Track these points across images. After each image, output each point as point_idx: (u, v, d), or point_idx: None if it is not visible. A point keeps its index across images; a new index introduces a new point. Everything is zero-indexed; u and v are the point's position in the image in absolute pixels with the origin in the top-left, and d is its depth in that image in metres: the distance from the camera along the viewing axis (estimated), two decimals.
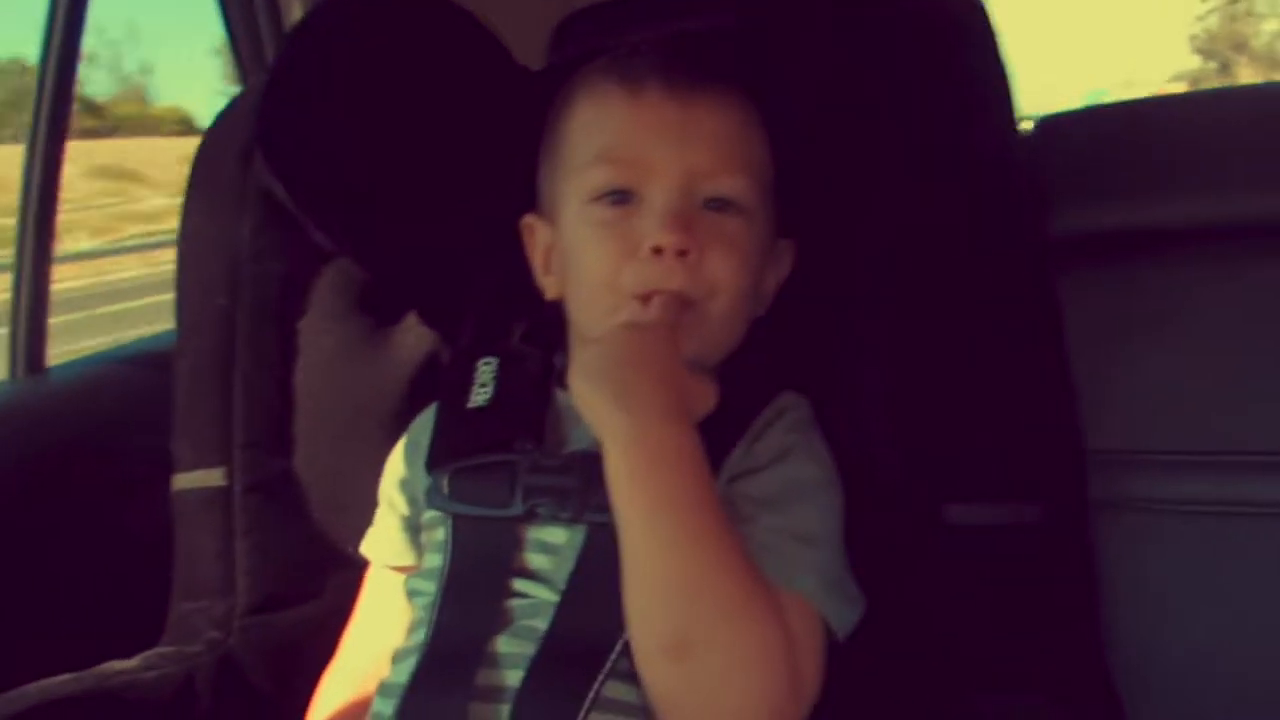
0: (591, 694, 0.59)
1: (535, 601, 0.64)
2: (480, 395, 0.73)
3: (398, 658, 0.69)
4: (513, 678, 0.61)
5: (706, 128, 0.68)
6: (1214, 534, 0.79)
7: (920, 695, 0.66)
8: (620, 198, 0.68)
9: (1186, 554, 0.79)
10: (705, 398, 0.63)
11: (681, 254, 0.65)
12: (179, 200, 0.87)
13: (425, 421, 0.76)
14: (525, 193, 0.77)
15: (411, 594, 0.72)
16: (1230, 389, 0.79)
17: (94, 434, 1.03)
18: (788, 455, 0.66)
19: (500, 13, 0.87)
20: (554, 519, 0.65)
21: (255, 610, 0.81)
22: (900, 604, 0.68)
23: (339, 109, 0.78)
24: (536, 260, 0.76)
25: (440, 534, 0.69)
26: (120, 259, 9.77)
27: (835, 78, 0.73)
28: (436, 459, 0.70)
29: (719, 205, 0.68)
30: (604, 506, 0.62)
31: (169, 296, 0.86)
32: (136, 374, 1.11)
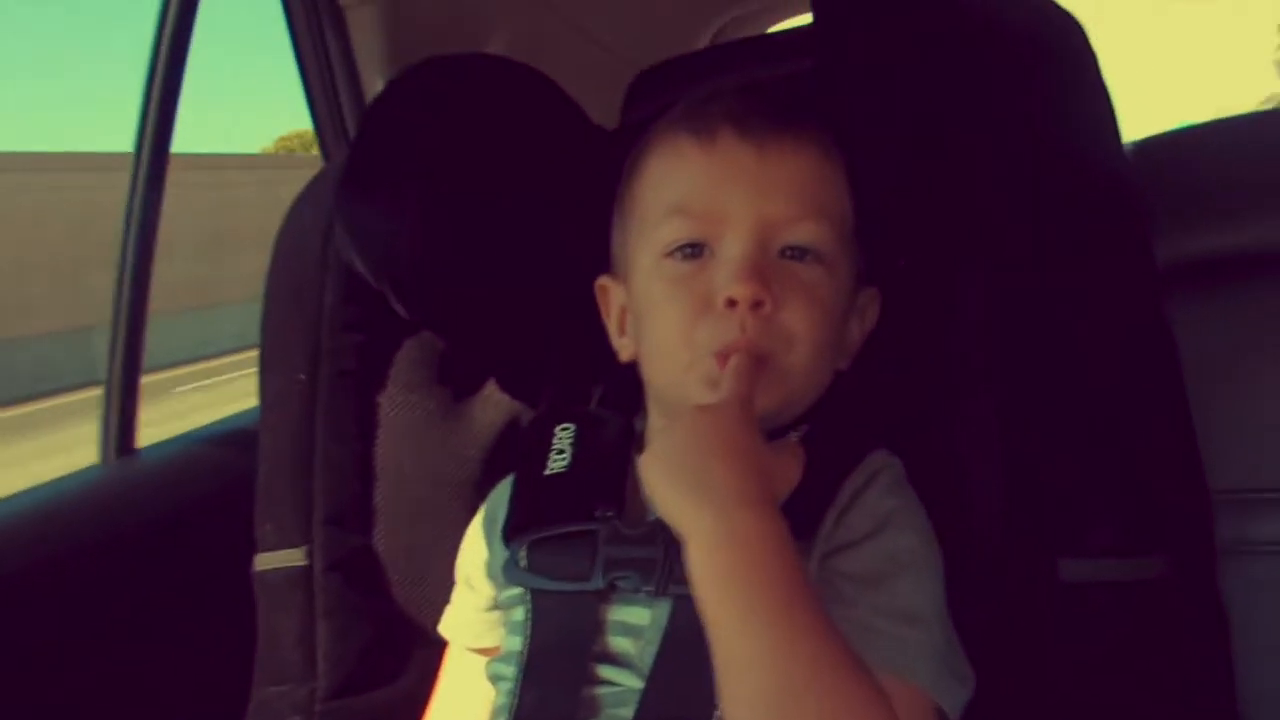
0: None
1: (619, 689, 0.61)
2: (558, 462, 0.70)
3: None
4: None
5: (781, 174, 0.65)
6: None
7: None
8: (693, 251, 0.65)
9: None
10: (789, 473, 0.59)
11: (757, 305, 0.62)
12: None
13: (502, 494, 0.73)
14: (601, 256, 0.75)
15: (493, 678, 0.69)
16: None
17: (183, 516, 1.04)
18: (886, 525, 0.62)
19: (575, 76, 0.87)
20: (636, 592, 0.62)
21: (337, 694, 0.79)
22: (1016, 674, 0.62)
23: (418, 180, 0.78)
24: (611, 322, 0.75)
25: (519, 614, 0.66)
26: None
27: (923, 113, 0.69)
28: (514, 530, 0.68)
29: (797, 254, 0.65)
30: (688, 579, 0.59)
31: None
32: (225, 453, 1.12)
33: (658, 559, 0.61)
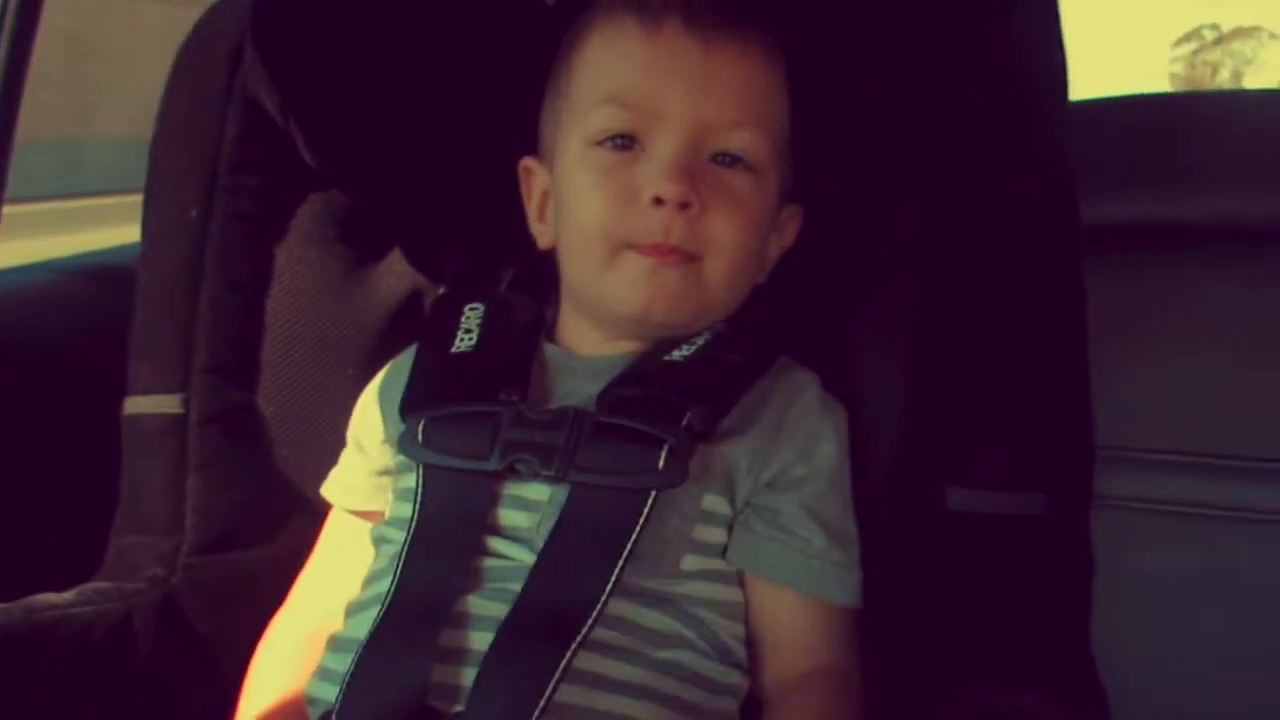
0: (562, 664, 0.55)
1: (510, 562, 0.61)
2: (464, 341, 0.69)
3: (353, 610, 0.66)
4: (480, 640, 0.57)
5: (724, 75, 0.64)
6: (1201, 538, 0.78)
7: (912, 688, 0.63)
8: (624, 143, 0.64)
9: (1171, 557, 0.78)
10: None
11: (683, 206, 0.62)
12: None
13: (402, 364, 0.72)
14: (527, 135, 0.73)
15: (378, 541, 0.68)
16: (1233, 392, 0.78)
17: (38, 348, 0.97)
18: (816, 443, 0.65)
19: None
20: (535, 476, 0.61)
21: (204, 549, 0.75)
22: (894, 593, 0.65)
23: (342, 17, 0.72)
24: (531, 205, 0.73)
25: (410, 481, 0.65)
26: None
27: (878, 25, 0.68)
28: (412, 403, 0.66)
29: (728, 160, 0.64)
30: (590, 467, 0.60)
31: None
32: (90, 287, 1.04)
33: (559, 444, 0.60)
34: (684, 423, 0.61)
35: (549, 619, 0.57)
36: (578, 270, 0.67)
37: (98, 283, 1.04)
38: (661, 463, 0.59)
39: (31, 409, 0.93)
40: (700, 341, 0.66)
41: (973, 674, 0.63)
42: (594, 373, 0.66)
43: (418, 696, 0.56)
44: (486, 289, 0.77)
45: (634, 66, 0.64)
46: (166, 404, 0.76)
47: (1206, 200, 0.82)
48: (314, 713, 0.64)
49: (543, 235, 0.72)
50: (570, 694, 0.56)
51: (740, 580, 0.64)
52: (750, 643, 0.64)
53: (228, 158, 0.77)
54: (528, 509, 0.62)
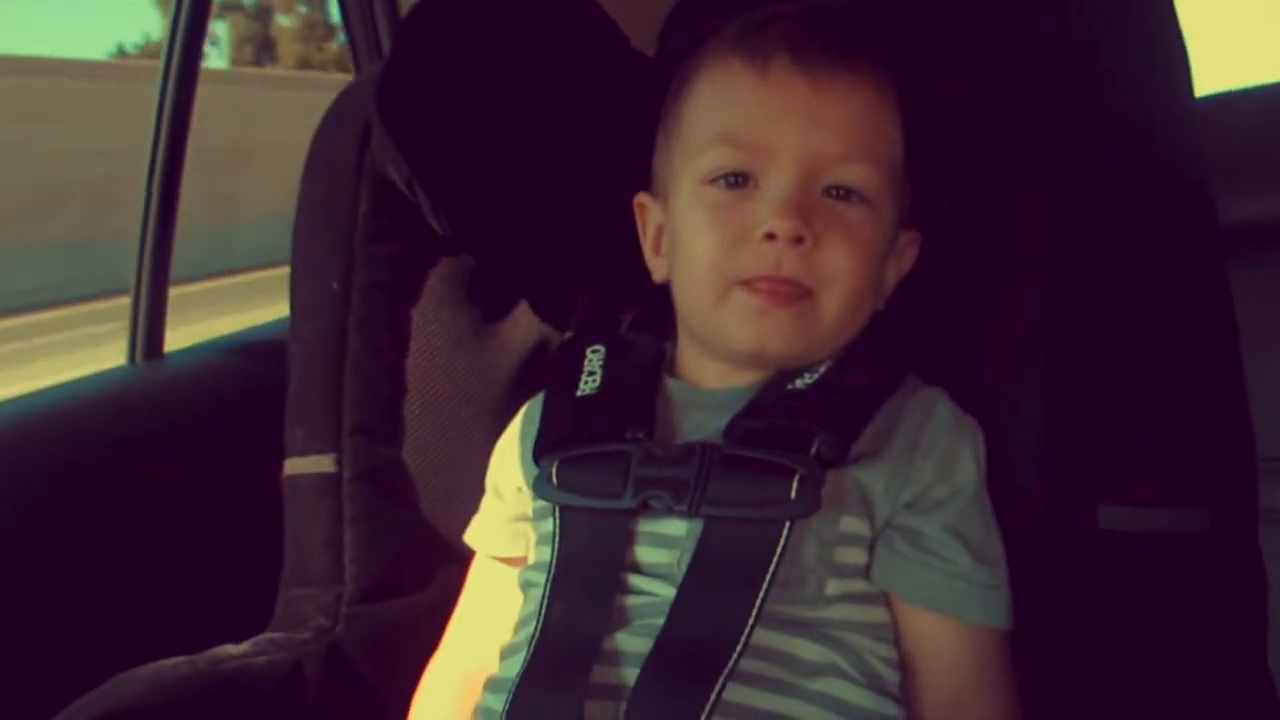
0: (712, 698, 0.55)
1: (652, 598, 0.62)
2: (589, 384, 0.71)
3: (506, 653, 0.68)
4: (629, 676, 0.58)
5: (834, 110, 0.64)
6: None
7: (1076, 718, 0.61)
8: (737, 181, 0.65)
9: None
10: None
11: (797, 241, 0.62)
12: None
13: (533, 410, 0.74)
14: (636, 181, 0.75)
15: (525, 586, 0.70)
16: None
17: (208, 420, 1.05)
18: (954, 464, 0.64)
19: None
20: (669, 512, 0.62)
21: (362, 599, 0.80)
22: (1052, 619, 0.63)
23: (456, 91, 0.77)
24: (646, 240, 0.74)
25: (549, 525, 0.66)
26: None
27: (982, 46, 0.68)
28: (544, 448, 0.68)
29: (842, 194, 0.64)
30: (722, 500, 0.60)
31: None
32: (250, 362, 1.12)
33: (689, 479, 0.61)
34: (813, 451, 0.60)
35: (694, 652, 0.57)
36: (693, 306, 0.68)
37: (257, 355, 1.12)
38: (794, 493, 0.58)
39: (207, 476, 1.01)
40: (822, 370, 0.66)
41: (1143, 705, 0.60)
42: (718, 406, 0.66)
43: None
44: (607, 331, 0.79)
45: (744, 105, 0.65)
46: (322, 464, 0.81)
47: None
48: None
49: (659, 269, 0.73)
50: None
51: (886, 602, 0.63)
52: (901, 669, 0.63)
53: (362, 231, 0.82)
54: (667, 545, 0.63)
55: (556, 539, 0.64)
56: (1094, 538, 0.62)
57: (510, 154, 0.80)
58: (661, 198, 0.72)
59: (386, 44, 1.32)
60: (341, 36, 1.36)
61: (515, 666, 0.62)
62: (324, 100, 0.88)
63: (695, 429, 0.67)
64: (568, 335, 0.86)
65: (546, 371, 0.81)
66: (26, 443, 0.93)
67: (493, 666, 0.68)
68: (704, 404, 0.68)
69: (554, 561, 0.64)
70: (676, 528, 0.62)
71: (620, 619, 0.61)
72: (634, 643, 0.60)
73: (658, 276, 0.73)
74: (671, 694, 0.56)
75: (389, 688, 0.76)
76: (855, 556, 0.63)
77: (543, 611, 0.63)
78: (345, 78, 1.37)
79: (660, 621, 0.59)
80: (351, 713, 0.76)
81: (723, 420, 0.64)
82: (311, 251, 0.84)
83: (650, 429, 0.66)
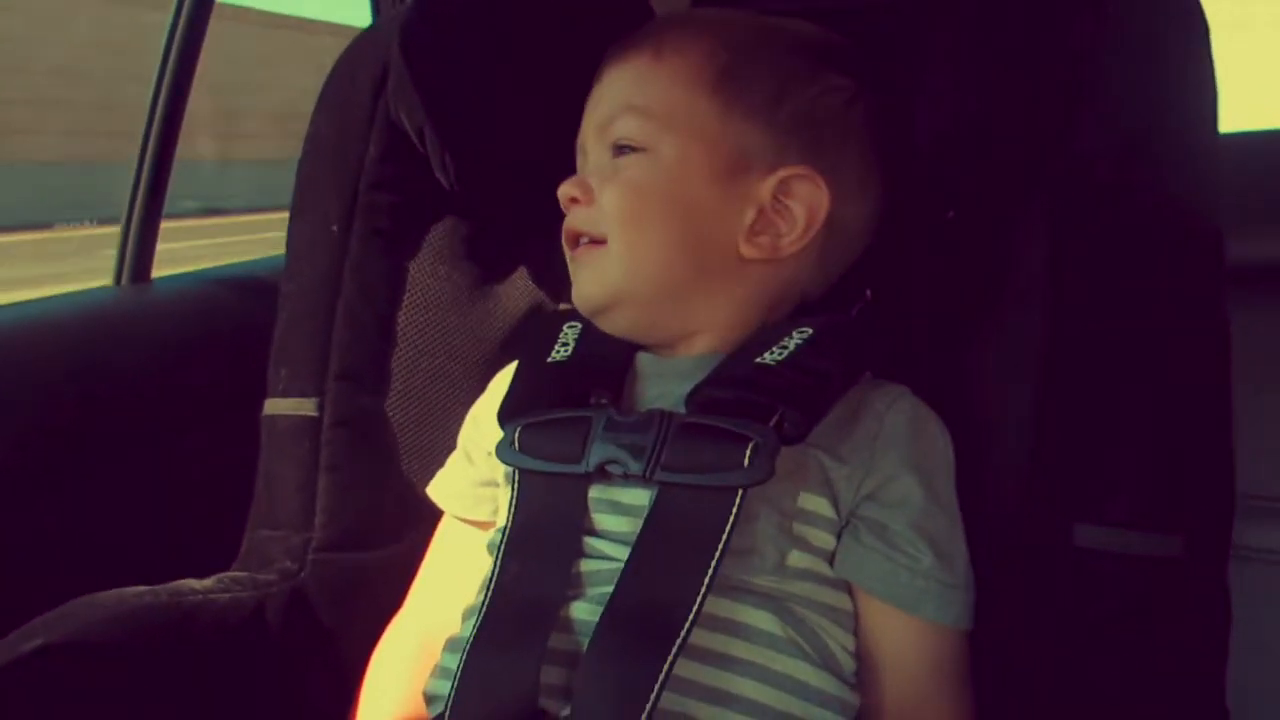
0: (665, 668, 0.55)
1: (610, 563, 0.62)
2: (560, 352, 0.71)
3: (468, 614, 0.68)
4: (584, 643, 0.58)
5: (611, 82, 0.70)
6: None
7: None
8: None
9: None
10: None
11: (573, 201, 0.69)
12: None
13: (508, 376, 0.74)
14: None
15: (490, 548, 0.69)
16: None
17: (189, 349, 1.04)
18: (921, 460, 0.65)
19: None
20: (625, 478, 0.62)
21: (330, 547, 0.79)
22: (1015, 626, 0.63)
23: (479, 42, 0.75)
24: None
25: (510, 489, 0.66)
26: None
27: (998, 61, 0.67)
28: (509, 412, 0.68)
29: (621, 150, 0.69)
30: (675, 466, 0.60)
31: None
32: (237, 297, 1.11)
33: (647, 445, 0.61)
34: (772, 423, 0.60)
35: (646, 621, 0.57)
36: None
37: (244, 291, 1.11)
38: (747, 460, 0.58)
39: (183, 407, 1.00)
40: (791, 346, 0.65)
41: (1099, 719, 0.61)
42: (682, 374, 0.67)
43: (528, 697, 0.57)
44: None
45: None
46: (302, 406, 0.80)
47: None
48: (432, 710, 0.66)
49: None
50: (674, 702, 0.56)
51: (850, 592, 0.64)
52: (857, 658, 0.63)
53: (368, 176, 0.81)
54: (625, 513, 0.63)
55: (514, 502, 0.65)
56: (1068, 553, 0.63)
57: (525, 114, 0.78)
58: None
59: None
60: None
61: (471, 629, 0.62)
62: None
63: (659, 397, 0.67)
64: (562, 306, 0.85)
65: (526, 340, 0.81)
66: (11, 353, 0.91)
67: (453, 627, 0.68)
68: (668, 373, 0.69)
69: (510, 524, 0.64)
70: (637, 496, 0.63)
71: (577, 585, 0.61)
72: (589, 608, 0.60)
73: None
74: (623, 664, 0.56)
75: (349, 638, 0.76)
76: (820, 538, 0.63)
77: (495, 572, 0.63)
78: None
79: (610, 589, 0.59)
80: (309, 658, 0.76)
81: (686, 388, 0.64)
82: (314, 190, 0.83)
83: (616, 396, 0.67)
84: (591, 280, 0.69)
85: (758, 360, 0.64)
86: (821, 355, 0.64)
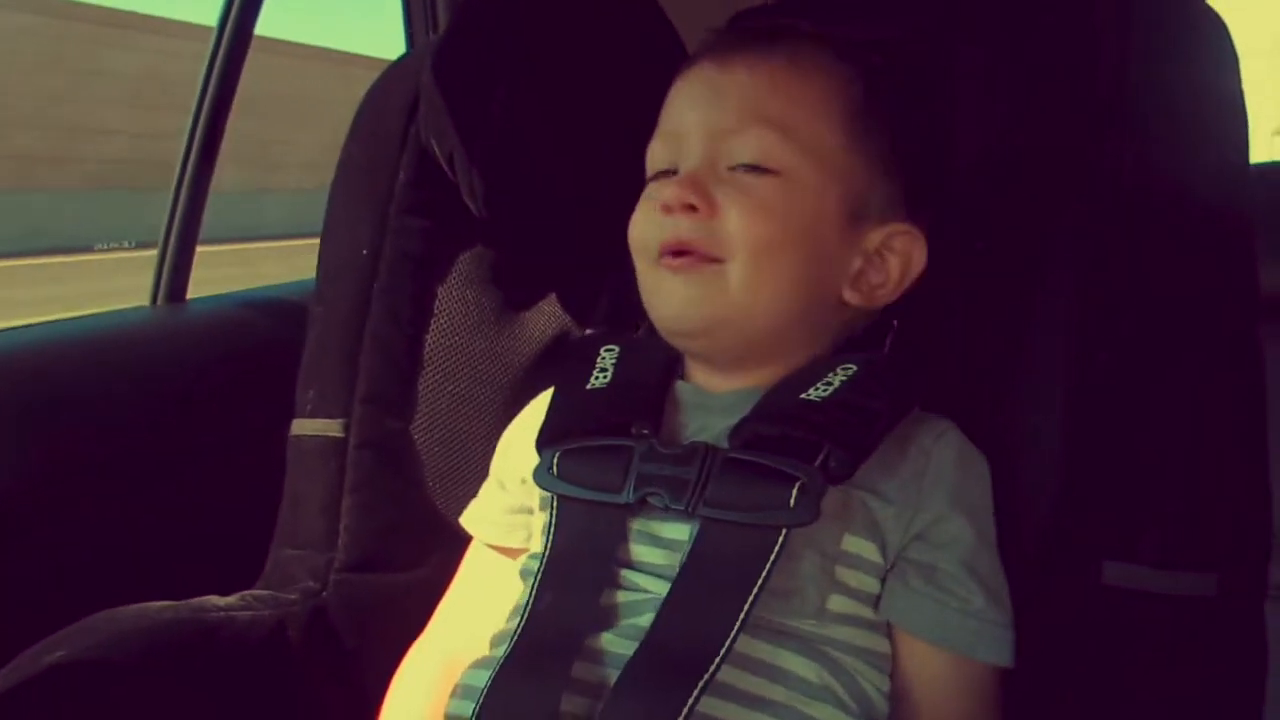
0: (689, 703, 0.54)
1: (645, 596, 0.61)
2: (599, 379, 0.70)
3: (497, 641, 0.67)
4: (611, 675, 0.57)
5: (737, 86, 0.65)
6: None
7: None
8: (668, 173, 0.67)
9: None
10: None
11: (689, 209, 0.63)
12: None
13: (541, 404, 0.73)
14: None
15: (524, 575, 0.69)
16: None
17: (221, 370, 1.05)
18: (961, 497, 0.63)
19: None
20: (666, 510, 0.61)
21: (353, 568, 0.79)
22: (1044, 666, 0.62)
23: (510, 72, 0.77)
24: None
25: (548, 515, 0.66)
26: None
27: (1030, 88, 0.67)
28: (548, 438, 0.68)
29: (750, 170, 0.64)
30: (719, 502, 0.59)
31: None
32: (268, 319, 1.12)
33: (690, 479, 0.60)
34: (818, 463, 0.59)
35: (678, 657, 0.56)
36: (641, 294, 0.69)
37: (274, 313, 1.13)
38: (793, 500, 0.57)
39: (212, 425, 1.01)
40: (836, 381, 0.64)
41: None
42: (725, 409, 0.66)
43: None
44: (624, 334, 0.78)
45: (672, 100, 0.68)
46: (329, 428, 0.81)
47: None
48: None
49: None
50: None
51: (889, 633, 0.63)
52: (892, 699, 0.62)
53: (399, 201, 0.82)
54: (664, 547, 0.62)
55: (551, 529, 0.64)
56: (1098, 593, 0.62)
57: (554, 143, 0.79)
58: None
59: (444, 19, 1.33)
60: None
61: (503, 652, 0.62)
62: None
63: (701, 430, 0.66)
64: (588, 332, 0.86)
65: (562, 364, 0.81)
66: (35, 371, 0.93)
67: (476, 652, 0.68)
68: (712, 407, 0.68)
69: (547, 552, 0.63)
70: (678, 531, 0.62)
71: (611, 616, 0.61)
72: (620, 642, 0.59)
73: None
74: (649, 697, 0.55)
75: (369, 659, 0.76)
76: (862, 581, 0.62)
77: (530, 597, 0.62)
78: None
79: (648, 623, 0.59)
80: (329, 678, 0.76)
81: (729, 423, 0.64)
82: (345, 214, 0.84)
83: (656, 427, 0.66)
84: (697, 300, 0.64)
85: (803, 396, 0.63)
86: (867, 393, 0.63)
